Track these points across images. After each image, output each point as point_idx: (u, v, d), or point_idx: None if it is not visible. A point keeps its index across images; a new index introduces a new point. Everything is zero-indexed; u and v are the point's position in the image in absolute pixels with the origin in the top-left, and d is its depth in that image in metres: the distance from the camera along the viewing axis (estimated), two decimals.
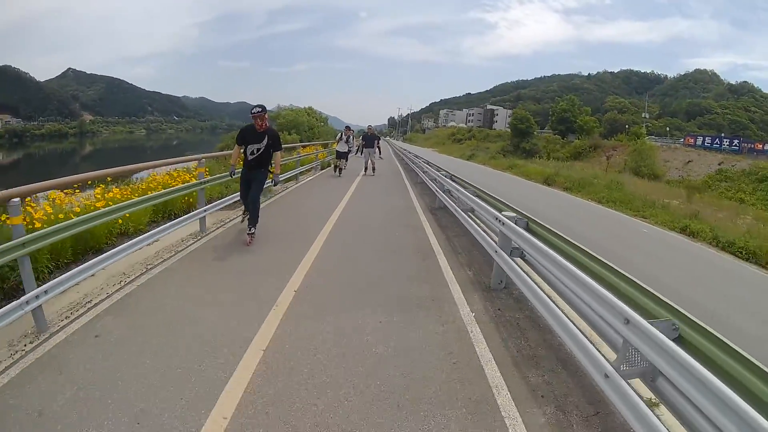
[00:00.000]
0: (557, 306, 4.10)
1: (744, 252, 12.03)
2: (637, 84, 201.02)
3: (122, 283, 5.79)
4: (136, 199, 6.98)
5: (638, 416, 2.65)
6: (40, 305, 4.37)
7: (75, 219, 5.34)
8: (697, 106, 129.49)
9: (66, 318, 4.78)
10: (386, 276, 6.49)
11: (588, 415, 3.56)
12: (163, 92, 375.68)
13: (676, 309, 2.94)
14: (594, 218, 15.78)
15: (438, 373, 3.97)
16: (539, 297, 4.41)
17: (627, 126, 75.51)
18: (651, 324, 2.74)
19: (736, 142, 52.72)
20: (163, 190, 7.95)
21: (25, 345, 4.18)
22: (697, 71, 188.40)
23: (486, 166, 41.78)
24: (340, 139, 19.55)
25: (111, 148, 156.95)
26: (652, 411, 2.63)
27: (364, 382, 3.78)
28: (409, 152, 30.36)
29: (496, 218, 5.97)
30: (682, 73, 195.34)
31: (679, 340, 2.77)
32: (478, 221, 8.05)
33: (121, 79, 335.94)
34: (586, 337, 3.51)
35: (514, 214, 5.84)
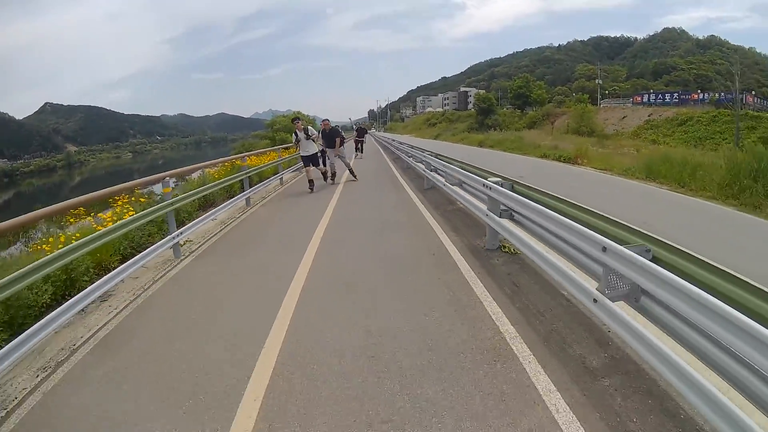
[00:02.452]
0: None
1: (562, 159, 20.87)
2: (608, 49, 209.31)
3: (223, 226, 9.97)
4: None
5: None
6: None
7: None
8: (663, 65, 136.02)
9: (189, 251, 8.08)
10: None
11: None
12: (142, 114, 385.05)
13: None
14: (496, 158, 25.02)
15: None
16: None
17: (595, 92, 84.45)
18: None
19: (676, 95, 61.08)
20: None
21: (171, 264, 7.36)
22: (666, 30, 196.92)
23: (446, 141, 51.74)
24: (298, 140, 14.38)
25: (102, 174, 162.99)
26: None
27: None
28: (388, 138, 41.45)
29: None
30: (651, 34, 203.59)
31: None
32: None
33: (99, 106, 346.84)
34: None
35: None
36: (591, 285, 3.68)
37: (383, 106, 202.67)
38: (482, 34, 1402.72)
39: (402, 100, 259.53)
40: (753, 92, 70.68)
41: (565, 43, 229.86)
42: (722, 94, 58.92)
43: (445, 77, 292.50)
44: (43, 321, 4.24)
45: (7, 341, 4.04)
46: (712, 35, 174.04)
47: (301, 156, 14.73)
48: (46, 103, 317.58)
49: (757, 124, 40.27)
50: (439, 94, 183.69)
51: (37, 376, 4.13)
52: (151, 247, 6.65)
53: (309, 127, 14.88)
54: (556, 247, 4.75)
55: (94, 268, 6.58)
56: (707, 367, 2.63)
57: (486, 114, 77.68)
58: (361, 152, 28.66)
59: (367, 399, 3.34)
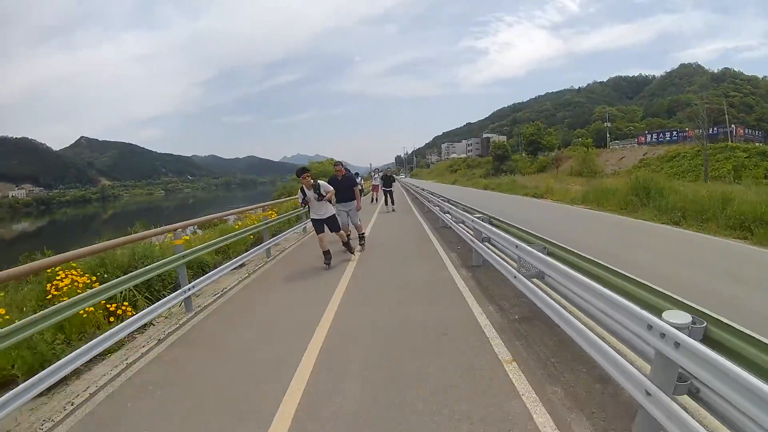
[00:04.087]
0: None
1: (534, 195, 28.16)
2: (626, 89, 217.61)
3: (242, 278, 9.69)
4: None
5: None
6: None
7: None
8: (677, 102, 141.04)
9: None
10: None
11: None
12: (174, 153, 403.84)
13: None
14: (491, 197, 32.45)
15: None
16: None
17: (608, 134, 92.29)
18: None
19: (674, 133, 67.96)
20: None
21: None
22: (682, 66, 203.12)
23: (460, 185, 59.79)
24: (305, 201, 10.11)
25: (136, 210, 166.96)
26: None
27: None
28: (413, 185, 45.86)
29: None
30: (668, 71, 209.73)
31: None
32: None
33: (133, 143, 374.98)
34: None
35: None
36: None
37: (410, 152, 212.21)
38: (506, 78, 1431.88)
39: (428, 146, 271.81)
40: (742, 126, 76.98)
41: (585, 86, 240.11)
42: (714, 129, 65.51)
43: (470, 123, 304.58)
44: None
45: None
46: (726, 68, 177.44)
47: (312, 219, 10.46)
48: (81, 137, 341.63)
49: (732, 155, 46.58)
50: (463, 141, 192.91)
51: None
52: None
53: (321, 182, 10.20)
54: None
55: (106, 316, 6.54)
56: None
57: (502, 160, 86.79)
58: (393, 204, 23.84)
59: None
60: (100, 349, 5.16)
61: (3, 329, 4.13)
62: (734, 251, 10.26)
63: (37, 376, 4.25)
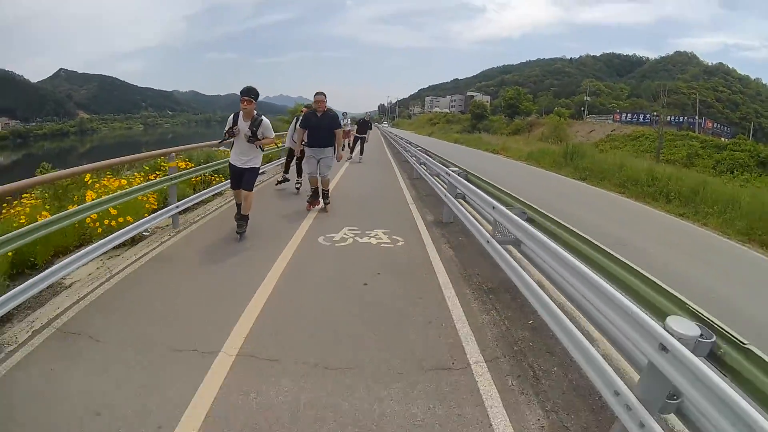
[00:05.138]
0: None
1: (492, 151, 32.08)
2: (618, 67, 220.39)
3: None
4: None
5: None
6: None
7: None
8: (665, 88, 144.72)
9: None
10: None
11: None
12: (155, 87, 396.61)
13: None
14: (455, 148, 37.00)
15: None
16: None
17: (581, 108, 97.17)
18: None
19: (648, 116, 72.75)
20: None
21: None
22: (677, 53, 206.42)
23: (434, 138, 64.59)
24: (234, 123, 7.48)
25: (113, 144, 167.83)
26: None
27: None
28: (393, 133, 46.00)
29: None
30: (663, 55, 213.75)
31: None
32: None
33: (113, 76, 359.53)
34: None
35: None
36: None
37: (393, 102, 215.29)
38: (500, 38, 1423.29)
39: (413, 97, 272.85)
40: (712, 119, 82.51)
41: (577, 57, 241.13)
42: (683, 117, 70.65)
43: (457, 79, 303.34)
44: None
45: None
46: (720, 63, 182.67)
47: (230, 164, 7.76)
48: (60, 69, 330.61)
49: (689, 143, 51.01)
50: (448, 96, 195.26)
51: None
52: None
53: (266, 120, 7.60)
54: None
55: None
56: None
57: (479, 119, 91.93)
58: (361, 154, 21.81)
59: None
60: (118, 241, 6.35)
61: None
62: (608, 198, 15.29)
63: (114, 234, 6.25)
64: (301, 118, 10.35)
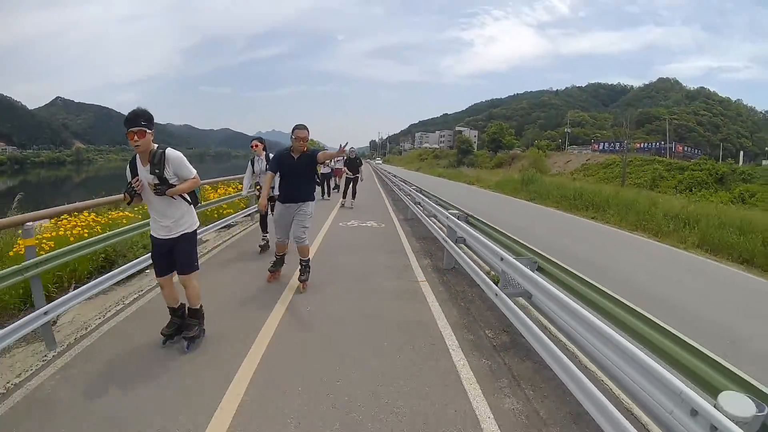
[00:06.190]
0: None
1: (467, 182, 38.10)
2: (604, 96, 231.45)
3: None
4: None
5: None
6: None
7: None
8: (647, 114, 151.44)
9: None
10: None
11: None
12: None
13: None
14: (434, 181, 42.15)
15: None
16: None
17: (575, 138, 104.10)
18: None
19: (622, 144, 78.79)
20: None
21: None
22: (660, 80, 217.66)
23: (421, 173, 71.57)
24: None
25: (108, 175, 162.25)
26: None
27: None
28: (385, 170, 46.27)
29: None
30: (647, 83, 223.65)
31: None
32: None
33: (109, 107, 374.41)
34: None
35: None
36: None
37: (384, 137, 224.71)
38: (488, 71, 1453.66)
39: (403, 133, 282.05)
40: (683, 144, 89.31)
41: (563, 88, 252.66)
42: (655, 144, 77.24)
43: (446, 114, 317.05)
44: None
45: None
46: (702, 86, 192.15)
47: (152, 238, 5.08)
48: (57, 97, 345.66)
49: (652, 167, 56.34)
50: (437, 132, 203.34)
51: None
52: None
53: (173, 154, 4.87)
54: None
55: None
56: None
57: (465, 154, 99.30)
58: (353, 198, 18.42)
59: None
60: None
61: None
62: (546, 212, 20.27)
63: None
64: (263, 159, 9.23)
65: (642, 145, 78.40)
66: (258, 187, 9.94)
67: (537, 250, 5.06)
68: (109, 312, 5.82)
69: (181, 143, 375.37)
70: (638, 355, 2.66)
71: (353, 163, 18.44)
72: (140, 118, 4.39)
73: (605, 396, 2.88)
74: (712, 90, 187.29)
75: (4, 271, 4.55)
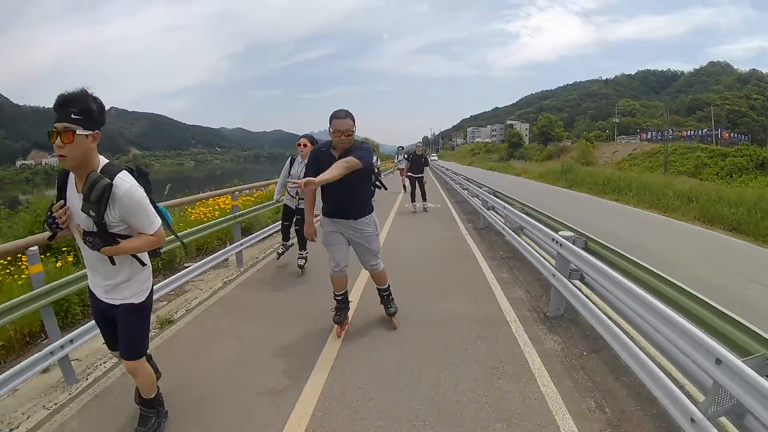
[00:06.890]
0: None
1: (515, 174, 42.49)
2: (654, 83, 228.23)
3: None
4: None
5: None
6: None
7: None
8: (698, 101, 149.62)
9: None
10: None
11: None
12: (202, 125, 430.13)
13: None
14: (484, 173, 46.35)
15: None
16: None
17: (628, 127, 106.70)
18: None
19: (671, 132, 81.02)
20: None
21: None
22: (710, 64, 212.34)
23: (474, 167, 75.83)
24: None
25: (167, 179, 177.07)
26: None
27: None
28: (443, 167, 44.62)
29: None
30: (697, 68, 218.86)
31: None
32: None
33: (162, 114, 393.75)
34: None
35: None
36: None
37: (436, 133, 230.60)
38: (536, 62, 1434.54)
39: (455, 128, 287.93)
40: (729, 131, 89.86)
41: (612, 77, 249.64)
42: (700, 131, 79.15)
43: (497, 107, 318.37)
44: None
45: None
46: (754, 69, 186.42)
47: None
48: (111, 107, 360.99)
49: (695, 154, 58.73)
50: (488, 126, 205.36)
51: None
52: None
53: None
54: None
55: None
56: None
57: (515, 147, 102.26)
58: (424, 200, 16.05)
59: None
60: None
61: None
62: (571, 194, 24.89)
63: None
64: (300, 160, 7.38)
65: (688, 133, 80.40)
66: (298, 197, 7.48)
67: (534, 207, 8.09)
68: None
69: (235, 146, 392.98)
70: (673, 317, 3.04)
71: (417, 161, 15.68)
72: (71, 107, 2.55)
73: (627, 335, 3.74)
74: (765, 72, 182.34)
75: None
